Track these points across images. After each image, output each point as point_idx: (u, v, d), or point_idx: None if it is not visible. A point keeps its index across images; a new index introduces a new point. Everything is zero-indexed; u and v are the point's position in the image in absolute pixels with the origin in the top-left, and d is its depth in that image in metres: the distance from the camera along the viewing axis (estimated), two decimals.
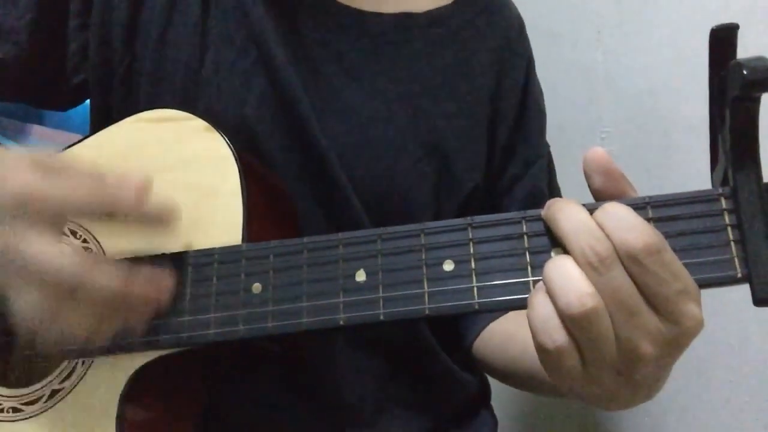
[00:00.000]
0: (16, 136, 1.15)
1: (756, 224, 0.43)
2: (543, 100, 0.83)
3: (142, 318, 0.50)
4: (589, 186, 0.47)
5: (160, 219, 0.50)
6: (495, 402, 0.84)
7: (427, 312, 0.48)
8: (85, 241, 0.60)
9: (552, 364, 0.44)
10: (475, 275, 0.47)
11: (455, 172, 0.74)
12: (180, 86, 0.69)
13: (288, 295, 0.52)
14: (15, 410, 0.57)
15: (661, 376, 0.45)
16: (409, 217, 0.68)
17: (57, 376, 0.57)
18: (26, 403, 0.57)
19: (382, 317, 0.49)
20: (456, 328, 0.78)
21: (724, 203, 0.44)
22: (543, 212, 0.46)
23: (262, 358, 0.64)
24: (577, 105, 1.06)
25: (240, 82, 0.68)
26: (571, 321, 0.41)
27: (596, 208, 0.43)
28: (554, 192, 0.82)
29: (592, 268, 0.41)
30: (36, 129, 1.16)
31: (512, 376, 0.74)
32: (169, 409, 0.60)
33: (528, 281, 0.46)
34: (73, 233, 0.61)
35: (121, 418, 0.54)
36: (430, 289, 0.48)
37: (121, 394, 0.54)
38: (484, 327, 0.76)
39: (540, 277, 0.44)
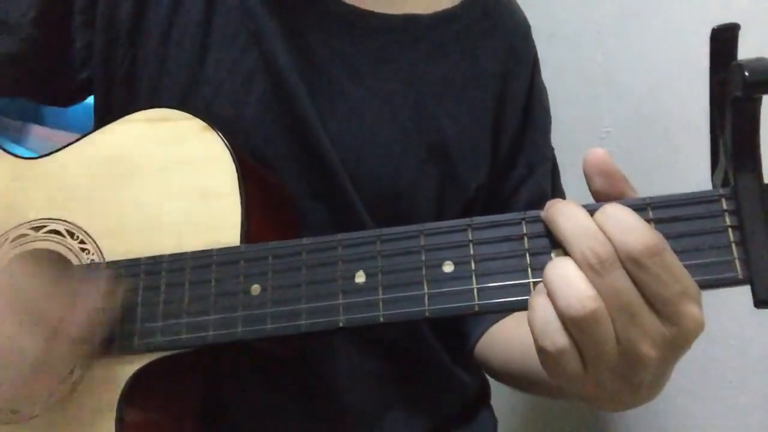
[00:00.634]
0: (17, 136, 1.15)
1: (757, 225, 0.42)
2: (548, 103, 0.83)
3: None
4: (589, 187, 0.46)
5: None
6: (495, 402, 0.84)
7: (427, 314, 0.48)
8: (82, 242, 0.60)
9: (553, 366, 0.44)
10: (475, 277, 0.47)
11: (459, 174, 0.74)
12: (181, 86, 0.68)
13: (287, 297, 0.51)
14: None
15: (661, 378, 0.45)
16: (413, 219, 0.68)
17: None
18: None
19: (381, 319, 0.49)
20: (457, 330, 0.78)
21: (725, 204, 0.44)
22: (543, 213, 0.46)
23: (262, 359, 0.64)
24: (577, 105, 1.06)
25: (240, 82, 0.68)
26: (571, 323, 0.41)
27: (596, 210, 0.43)
28: (558, 195, 0.82)
29: (592, 270, 0.41)
30: (36, 129, 1.16)
31: (514, 378, 0.74)
32: (169, 411, 0.60)
33: (528, 283, 0.46)
34: (71, 234, 0.60)
35: (120, 420, 0.54)
36: (430, 291, 0.48)
37: (120, 396, 0.54)
38: (486, 330, 0.76)
39: (540, 279, 0.44)
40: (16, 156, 0.67)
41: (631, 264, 0.41)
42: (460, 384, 0.76)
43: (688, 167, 0.88)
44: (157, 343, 0.54)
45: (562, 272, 0.42)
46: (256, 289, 0.52)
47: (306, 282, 0.51)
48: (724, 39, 0.44)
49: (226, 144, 0.60)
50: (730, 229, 0.44)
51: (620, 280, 0.41)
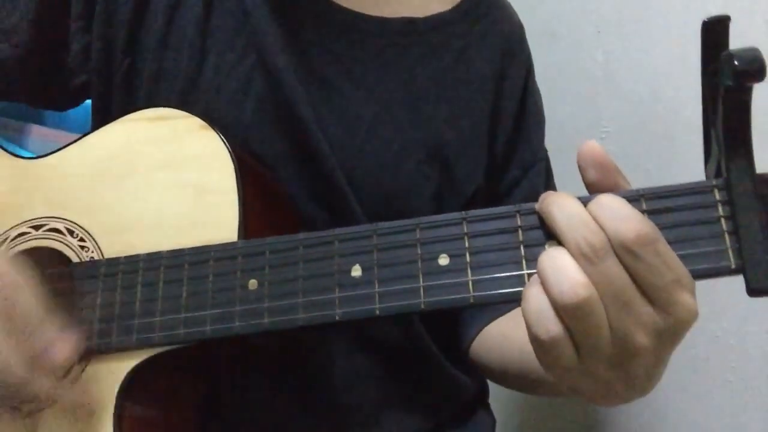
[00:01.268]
0: (16, 136, 1.15)
1: (749, 215, 0.43)
2: (542, 106, 0.84)
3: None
4: (583, 179, 0.47)
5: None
6: (493, 402, 0.84)
7: (422, 306, 0.48)
8: (82, 240, 0.60)
9: (547, 357, 0.44)
10: (470, 269, 0.48)
11: (457, 176, 0.74)
12: (179, 88, 0.69)
13: (284, 292, 0.52)
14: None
15: (656, 370, 0.45)
16: None
17: None
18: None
19: (377, 312, 0.49)
20: (452, 330, 0.78)
21: (717, 194, 0.44)
22: (537, 205, 0.46)
23: (260, 356, 0.64)
24: (577, 105, 1.06)
25: (238, 85, 0.69)
26: (564, 311, 0.41)
27: (590, 201, 0.43)
28: None
29: (585, 259, 0.41)
30: (36, 129, 1.17)
31: (509, 377, 0.74)
32: (168, 407, 0.60)
33: (523, 274, 0.46)
34: (70, 232, 0.61)
35: (119, 415, 0.54)
36: (425, 284, 0.48)
37: (118, 391, 0.55)
38: (480, 329, 0.76)
39: (535, 271, 0.44)
40: (16, 156, 0.67)
41: (624, 253, 0.41)
42: (458, 384, 0.76)
43: (688, 167, 0.88)
44: (155, 339, 0.54)
45: (555, 261, 0.42)
46: (253, 284, 0.53)
47: (303, 276, 0.52)
48: (715, 31, 0.44)
49: (224, 141, 0.60)
50: (722, 219, 0.44)
51: (613, 269, 0.41)
